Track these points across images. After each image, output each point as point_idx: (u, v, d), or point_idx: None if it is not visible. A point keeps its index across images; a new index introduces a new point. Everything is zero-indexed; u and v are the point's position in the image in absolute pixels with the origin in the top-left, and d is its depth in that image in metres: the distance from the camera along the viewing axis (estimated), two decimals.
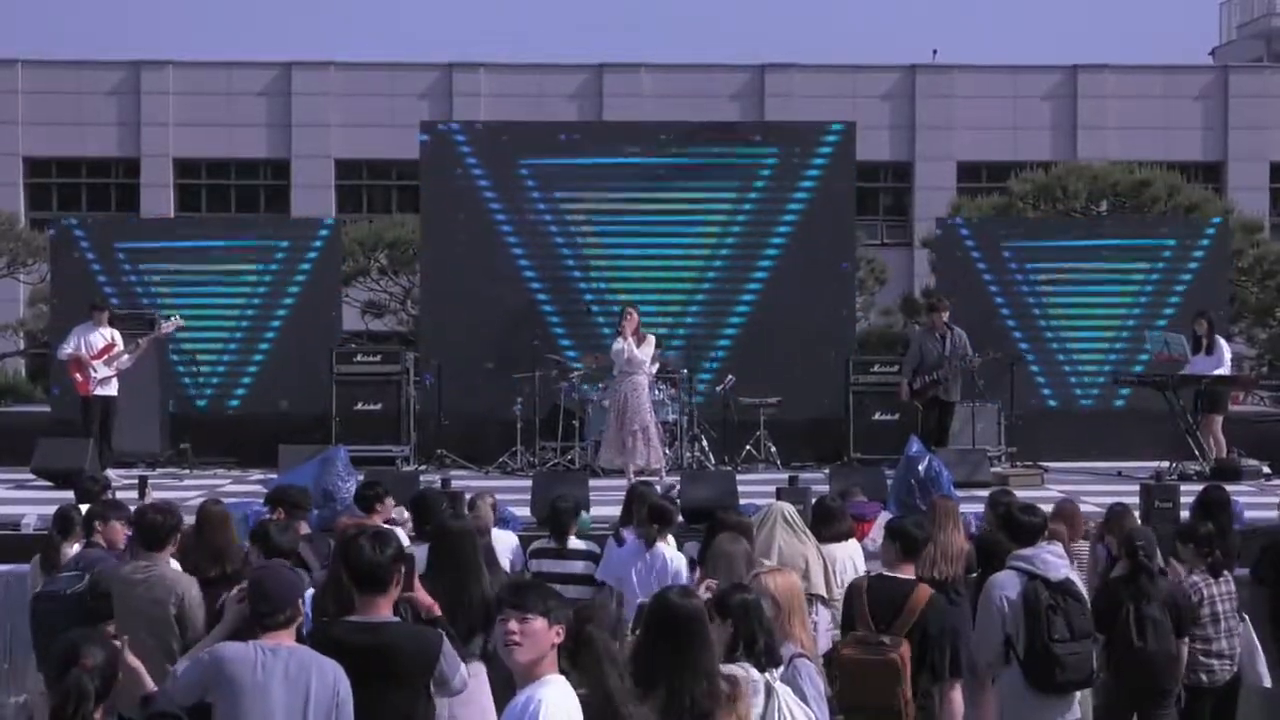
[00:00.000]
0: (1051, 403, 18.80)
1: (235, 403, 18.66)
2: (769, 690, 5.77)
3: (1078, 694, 7.74)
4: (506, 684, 7.00)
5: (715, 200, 18.69)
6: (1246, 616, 8.62)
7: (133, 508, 8.58)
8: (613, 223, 18.67)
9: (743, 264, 18.67)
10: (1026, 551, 7.69)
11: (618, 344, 15.59)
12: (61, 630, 7.41)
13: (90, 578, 7.85)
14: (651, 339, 15.83)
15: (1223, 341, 17.03)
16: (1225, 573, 8.53)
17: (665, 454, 15.83)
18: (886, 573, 7.39)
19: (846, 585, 7.85)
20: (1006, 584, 7.54)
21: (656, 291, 18.36)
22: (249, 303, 18.76)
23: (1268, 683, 8.84)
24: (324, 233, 19.34)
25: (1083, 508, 10.33)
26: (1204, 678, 8.46)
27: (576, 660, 5.14)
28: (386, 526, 7.78)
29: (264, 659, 5.58)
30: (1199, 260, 19.03)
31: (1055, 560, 7.68)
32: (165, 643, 7.31)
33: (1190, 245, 19.07)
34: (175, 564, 7.72)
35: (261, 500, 12.38)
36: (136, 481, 12.23)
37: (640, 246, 18.69)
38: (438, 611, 6.65)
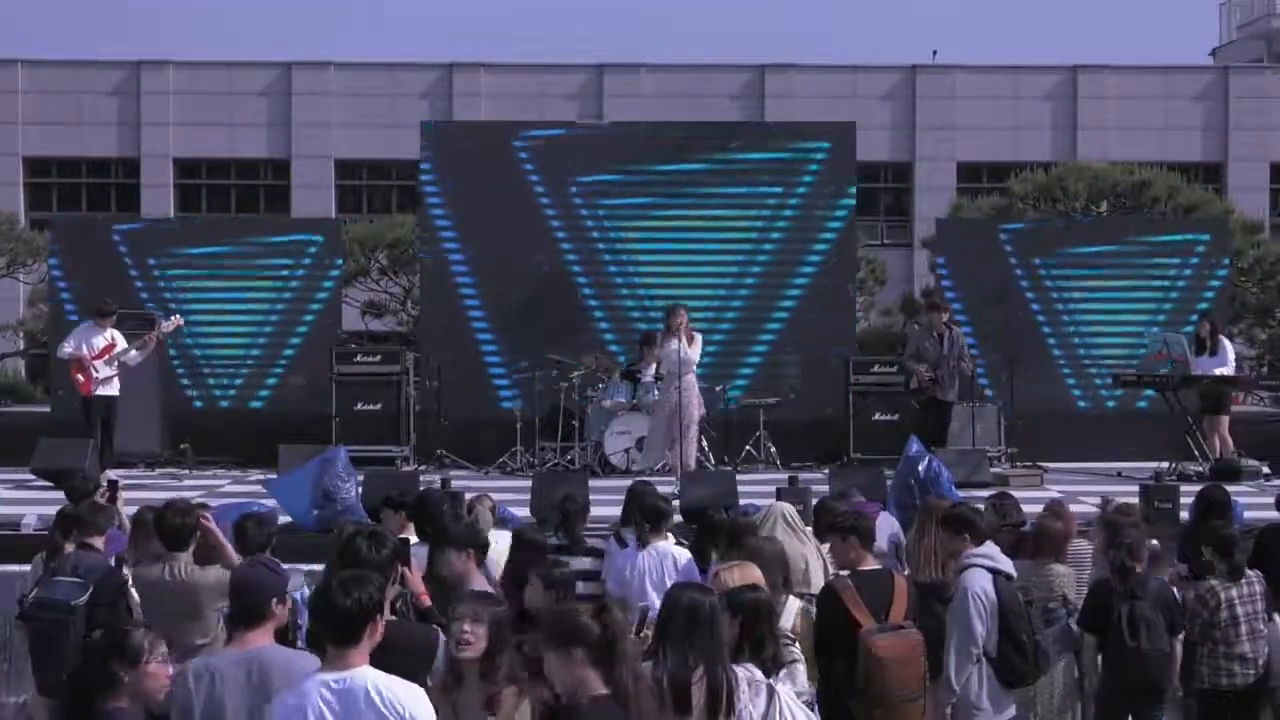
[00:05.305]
0: (1059, 402, 18.76)
1: (259, 404, 18.67)
2: (771, 692, 5.76)
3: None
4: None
5: (721, 202, 18.60)
6: (1277, 617, 8.51)
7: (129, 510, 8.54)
8: (632, 225, 18.58)
9: (772, 274, 18.55)
10: (983, 549, 7.72)
11: (671, 344, 15.44)
12: (62, 641, 7.43)
13: (94, 587, 7.78)
14: (699, 338, 15.76)
15: (1226, 342, 17.01)
16: (1250, 574, 8.44)
17: (695, 454, 15.89)
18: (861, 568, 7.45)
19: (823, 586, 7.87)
20: (982, 580, 7.55)
21: (678, 295, 17.60)
22: (263, 305, 18.76)
23: None
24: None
25: (1082, 508, 10.29)
26: (1223, 681, 8.31)
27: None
28: (379, 526, 7.84)
29: (220, 670, 5.52)
30: (1225, 267, 19.14)
31: (1005, 556, 7.80)
32: (190, 642, 7.36)
33: (1218, 251, 19.14)
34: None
35: (260, 500, 12.41)
36: (105, 487, 11.88)
37: (656, 250, 18.57)
38: (428, 601, 6.67)
